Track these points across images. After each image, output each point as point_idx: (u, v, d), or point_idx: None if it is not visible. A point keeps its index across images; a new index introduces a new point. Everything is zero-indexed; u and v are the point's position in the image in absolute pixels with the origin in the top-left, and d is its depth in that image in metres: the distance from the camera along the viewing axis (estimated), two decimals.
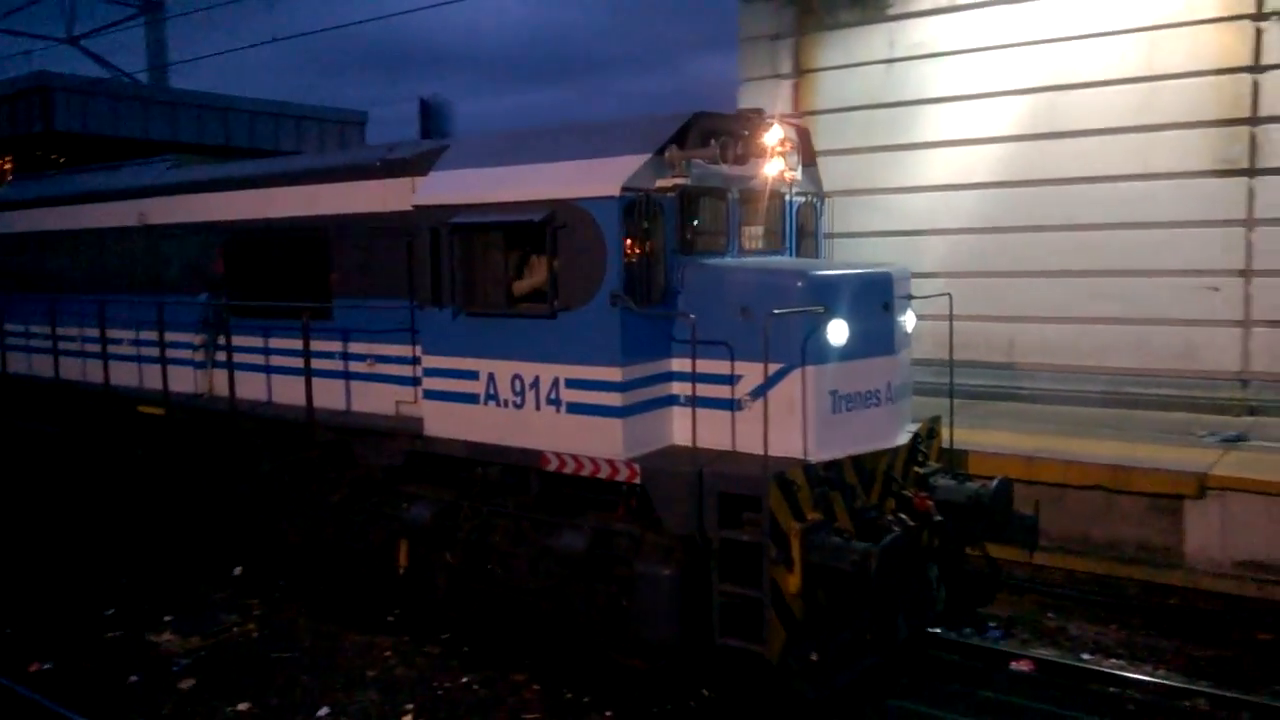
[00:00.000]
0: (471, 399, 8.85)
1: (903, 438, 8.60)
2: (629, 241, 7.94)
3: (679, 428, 8.31)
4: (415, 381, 9.63)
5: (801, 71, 16.90)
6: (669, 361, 8.28)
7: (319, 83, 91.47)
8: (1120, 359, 14.47)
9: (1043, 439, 12.29)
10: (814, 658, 7.52)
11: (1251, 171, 13.52)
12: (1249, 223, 13.60)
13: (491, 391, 8.71)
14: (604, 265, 7.92)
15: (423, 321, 9.18)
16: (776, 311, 7.48)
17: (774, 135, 8.61)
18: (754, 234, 9.23)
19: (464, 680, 8.80)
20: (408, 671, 9.02)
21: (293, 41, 24.60)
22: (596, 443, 8.08)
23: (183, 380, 11.86)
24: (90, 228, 13.46)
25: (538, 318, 8.33)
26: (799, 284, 7.83)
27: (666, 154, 8.01)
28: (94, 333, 12.93)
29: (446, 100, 38.61)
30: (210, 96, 27.41)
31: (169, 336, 11.85)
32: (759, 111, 8.91)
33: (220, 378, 11.46)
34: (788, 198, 9.48)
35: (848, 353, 7.93)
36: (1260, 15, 13.23)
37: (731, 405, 7.96)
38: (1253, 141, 13.49)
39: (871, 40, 16.17)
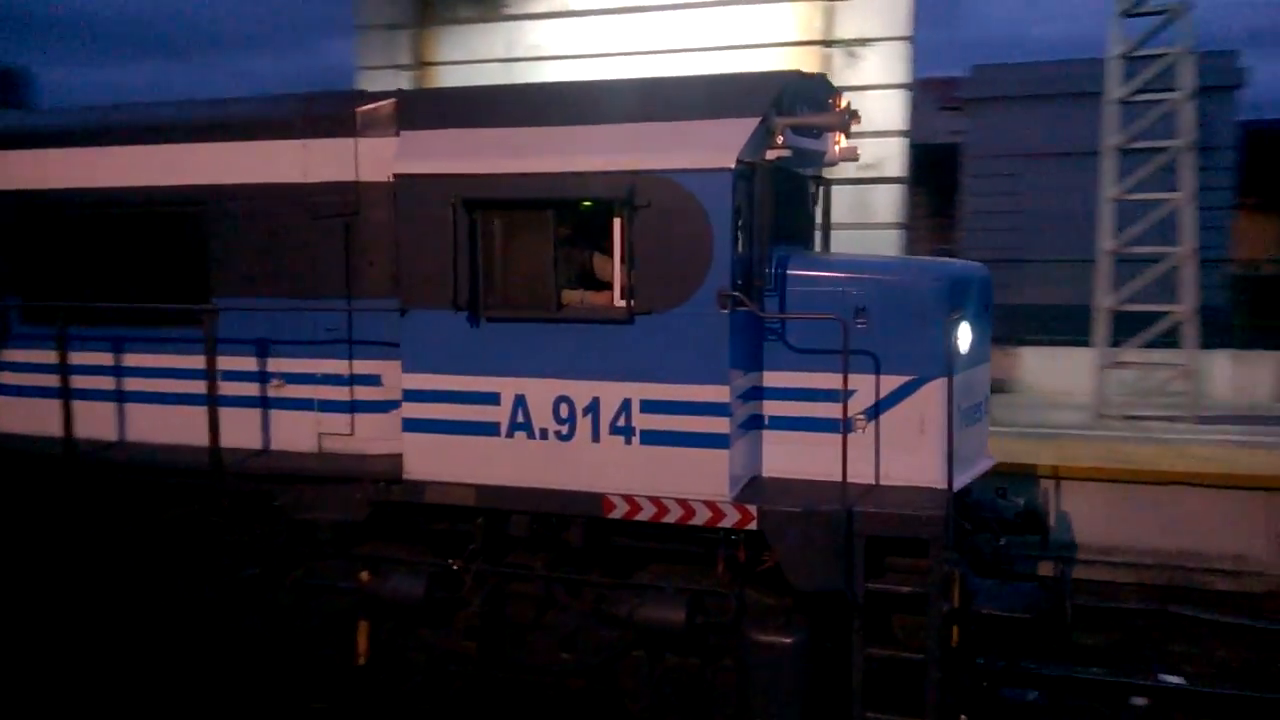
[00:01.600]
0: (488, 429, 6.74)
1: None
2: (737, 227, 6.32)
3: (767, 456, 6.79)
4: (349, 407, 7.35)
5: (422, 64, 15.89)
6: (760, 375, 6.72)
7: None
8: None
9: None
10: None
11: None
12: None
13: (521, 419, 6.67)
14: (709, 256, 6.23)
15: (406, 329, 6.90)
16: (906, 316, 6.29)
17: (847, 108, 7.31)
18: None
19: None
20: None
21: None
22: (689, 480, 6.37)
23: None
24: None
25: (605, 323, 6.45)
26: (933, 283, 6.61)
27: (776, 120, 6.46)
28: None
29: (26, 68, 33.03)
30: None
31: None
32: (825, 78, 7.59)
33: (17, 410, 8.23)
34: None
35: (966, 361, 6.84)
36: (829, 42, 13.74)
37: (838, 426, 6.54)
38: None
39: (491, 39, 15.49)
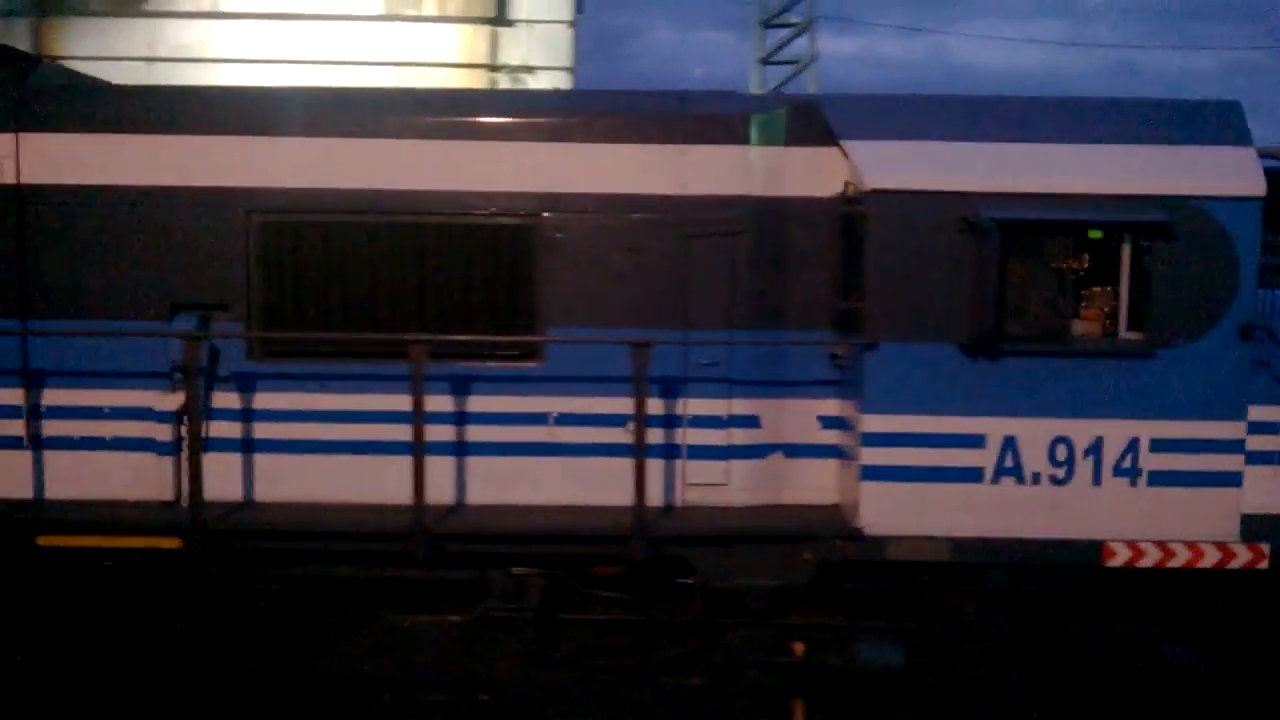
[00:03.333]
0: (968, 476, 6.06)
1: None
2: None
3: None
4: (725, 453, 6.43)
5: (44, 57, 15.05)
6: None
7: None
8: None
9: None
10: None
11: None
12: None
13: (1010, 463, 6.06)
14: (1235, 286, 5.96)
15: (871, 365, 6.05)
16: None
17: None
18: None
19: None
20: None
21: None
22: (1196, 521, 6.06)
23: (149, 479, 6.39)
24: None
25: (1124, 357, 5.99)
26: None
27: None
28: None
29: None
30: None
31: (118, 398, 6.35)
32: None
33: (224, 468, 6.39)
34: None
35: None
36: (494, 67, 14.10)
37: None
38: None
39: (131, 35, 14.67)
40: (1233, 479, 6.07)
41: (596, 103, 6.69)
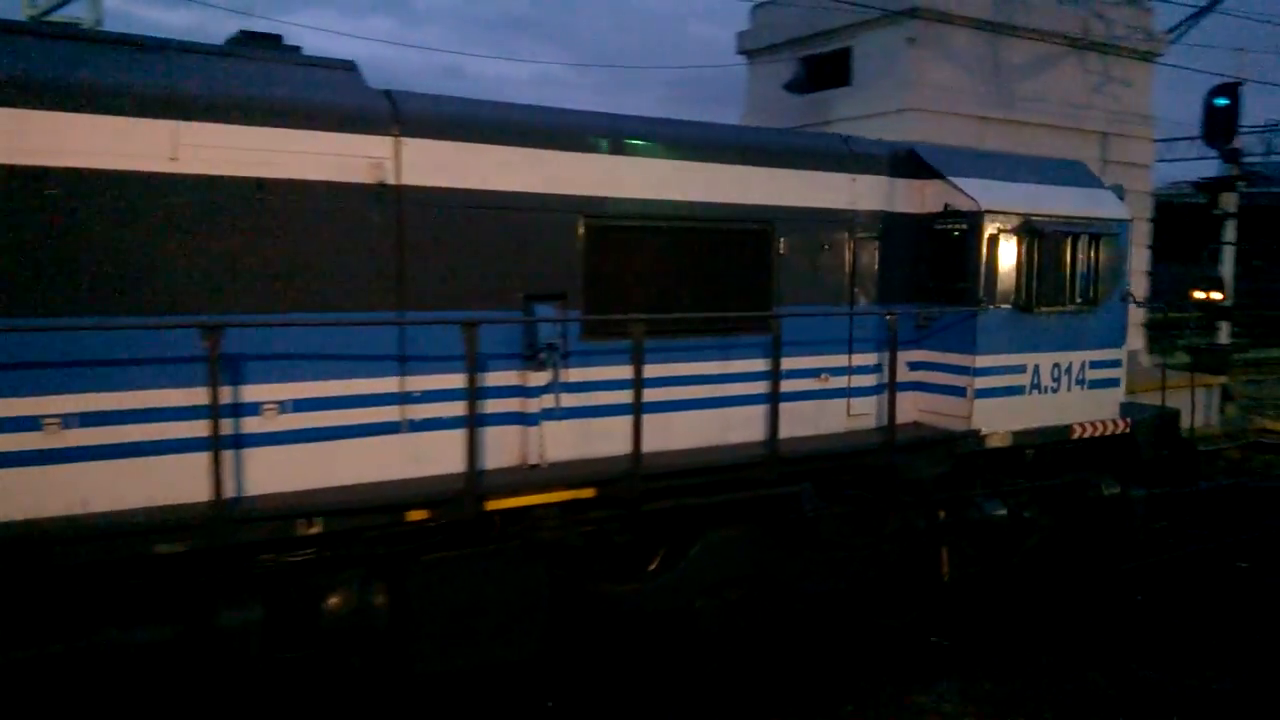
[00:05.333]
0: (1018, 390, 9.70)
1: None
2: None
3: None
4: (876, 390, 9.40)
5: None
6: None
7: None
8: None
9: None
10: None
11: None
12: None
13: (1035, 381, 9.82)
14: (1121, 271, 10.38)
15: (981, 323, 9.33)
16: None
17: None
18: None
19: None
20: None
21: None
22: (1103, 409, 10.38)
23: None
24: None
25: (1083, 313, 10.07)
26: None
27: None
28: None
29: None
30: None
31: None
32: None
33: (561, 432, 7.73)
34: None
35: None
36: None
37: None
38: None
39: None
40: (1117, 383, 10.52)
41: (804, 141, 9.04)
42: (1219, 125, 20.20)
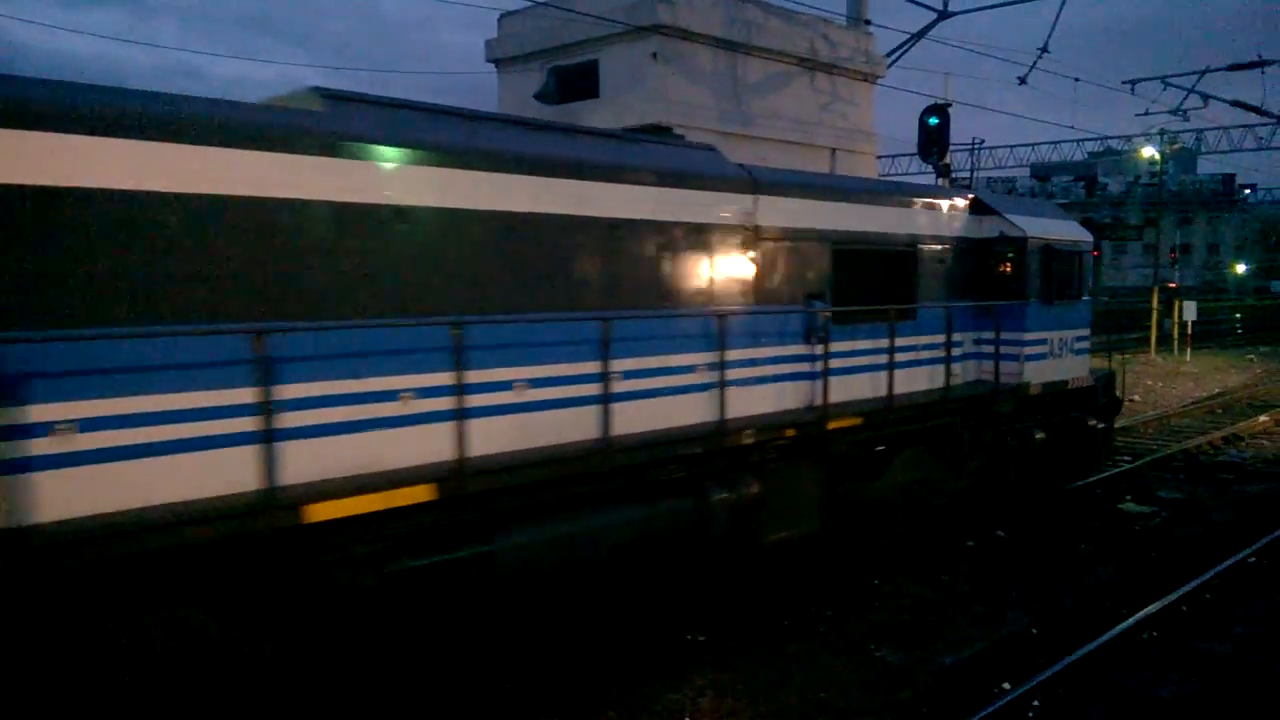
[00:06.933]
0: (1044, 356, 14.58)
1: None
2: None
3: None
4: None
5: None
6: None
7: None
8: None
9: None
10: None
11: None
12: None
13: (1049, 350, 14.73)
14: (1086, 276, 15.52)
15: (1029, 311, 14.11)
16: None
17: None
18: None
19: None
20: None
21: None
22: (1077, 370, 15.44)
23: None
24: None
25: (1072, 302, 15.09)
26: None
27: None
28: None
29: None
30: None
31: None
32: None
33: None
34: None
35: None
36: None
37: None
38: None
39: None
40: (1086, 350, 15.64)
41: (931, 188, 13.49)
42: (932, 142, 20.54)
